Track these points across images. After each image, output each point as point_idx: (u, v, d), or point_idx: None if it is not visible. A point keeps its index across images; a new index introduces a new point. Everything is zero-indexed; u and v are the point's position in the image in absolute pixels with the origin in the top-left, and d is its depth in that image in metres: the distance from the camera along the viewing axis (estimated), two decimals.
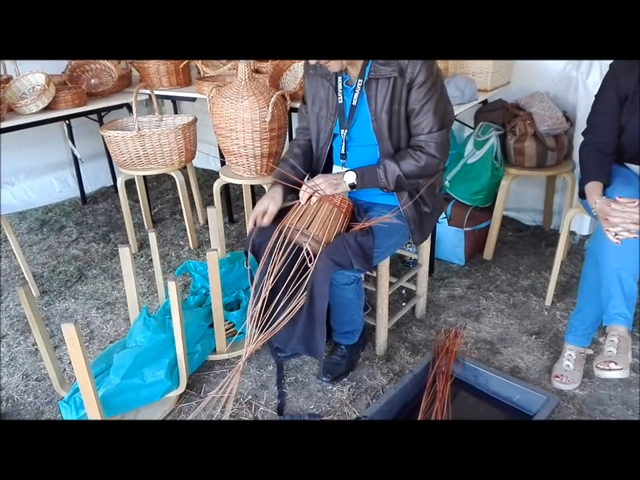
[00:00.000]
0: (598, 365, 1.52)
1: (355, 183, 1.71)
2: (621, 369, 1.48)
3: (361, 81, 1.70)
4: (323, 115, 1.81)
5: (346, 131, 1.78)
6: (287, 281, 1.65)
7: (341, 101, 1.76)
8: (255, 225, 1.78)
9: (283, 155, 1.97)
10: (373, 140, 1.74)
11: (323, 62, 1.67)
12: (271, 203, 1.77)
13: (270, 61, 2.68)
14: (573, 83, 2.54)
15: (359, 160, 1.79)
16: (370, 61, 1.68)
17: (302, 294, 1.66)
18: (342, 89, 1.76)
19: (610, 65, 1.79)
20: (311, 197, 1.69)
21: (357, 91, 1.72)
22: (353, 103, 1.74)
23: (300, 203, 1.72)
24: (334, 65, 1.67)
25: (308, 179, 1.87)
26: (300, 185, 1.74)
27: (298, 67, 2.68)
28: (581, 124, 1.92)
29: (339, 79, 1.76)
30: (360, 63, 1.69)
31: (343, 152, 1.81)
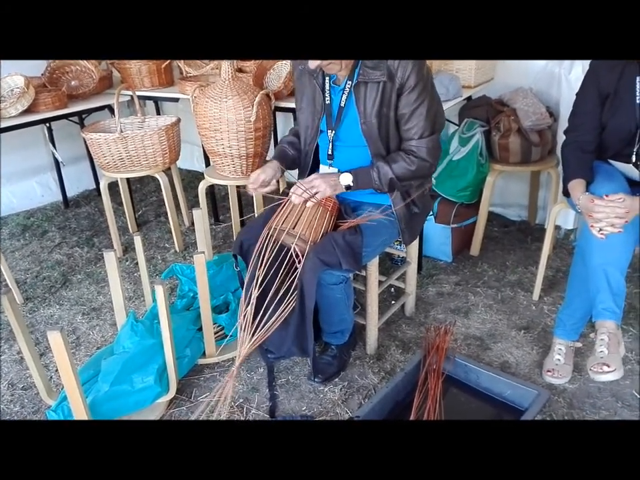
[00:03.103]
0: (592, 368, 1.52)
1: (351, 184, 1.69)
2: (614, 370, 1.49)
3: (350, 82, 1.67)
4: (310, 112, 1.79)
5: (333, 131, 1.76)
6: (277, 282, 1.64)
7: (328, 101, 1.74)
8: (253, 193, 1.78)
9: (280, 141, 1.96)
10: (361, 141, 1.72)
11: (325, 63, 1.60)
12: (262, 172, 1.74)
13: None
14: (556, 79, 2.56)
15: (346, 161, 1.77)
16: (359, 63, 1.65)
17: (292, 295, 1.65)
18: (329, 89, 1.73)
19: (590, 63, 1.79)
20: (307, 200, 1.63)
21: (346, 92, 1.69)
22: (341, 104, 1.71)
23: (288, 202, 1.68)
24: (333, 67, 1.62)
25: (298, 178, 1.85)
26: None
27: (281, 65, 2.67)
28: (564, 119, 1.93)
29: (326, 78, 1.73)
30: (350, 63, 1.66)
31: (330, 152, 1.80)
